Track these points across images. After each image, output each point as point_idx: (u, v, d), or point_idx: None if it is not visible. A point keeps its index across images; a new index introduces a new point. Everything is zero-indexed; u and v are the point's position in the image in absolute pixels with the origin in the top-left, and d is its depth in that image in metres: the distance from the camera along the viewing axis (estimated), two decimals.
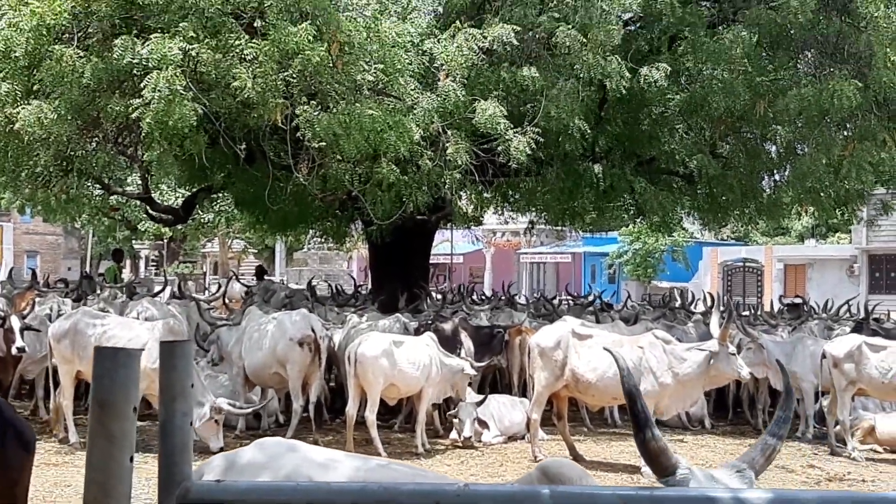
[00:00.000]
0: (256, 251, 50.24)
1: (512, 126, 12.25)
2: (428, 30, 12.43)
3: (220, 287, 20.74)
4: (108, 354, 1.92)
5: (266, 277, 24.24)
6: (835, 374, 11.66)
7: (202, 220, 31.61)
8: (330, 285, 21.98)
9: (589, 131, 13.32)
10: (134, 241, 45.00)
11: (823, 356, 11.98)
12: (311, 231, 24.57)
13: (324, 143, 10.97)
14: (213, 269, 52.46)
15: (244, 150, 12.26)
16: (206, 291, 30.08)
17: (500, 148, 12.18)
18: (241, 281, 22.55)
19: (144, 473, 9.55)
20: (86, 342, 10.70)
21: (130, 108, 10.53)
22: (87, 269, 34.69)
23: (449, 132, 12.36)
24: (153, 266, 53.41)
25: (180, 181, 20.55)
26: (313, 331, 11.66)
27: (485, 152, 12.66)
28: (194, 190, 19.00)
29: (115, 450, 1.89)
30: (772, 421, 2.86)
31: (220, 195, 21.62)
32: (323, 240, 27.87)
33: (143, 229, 37.82)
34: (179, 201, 21.35)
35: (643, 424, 2.50)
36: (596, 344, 10.70)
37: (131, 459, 1.91)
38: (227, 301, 17.27)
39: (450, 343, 12.06)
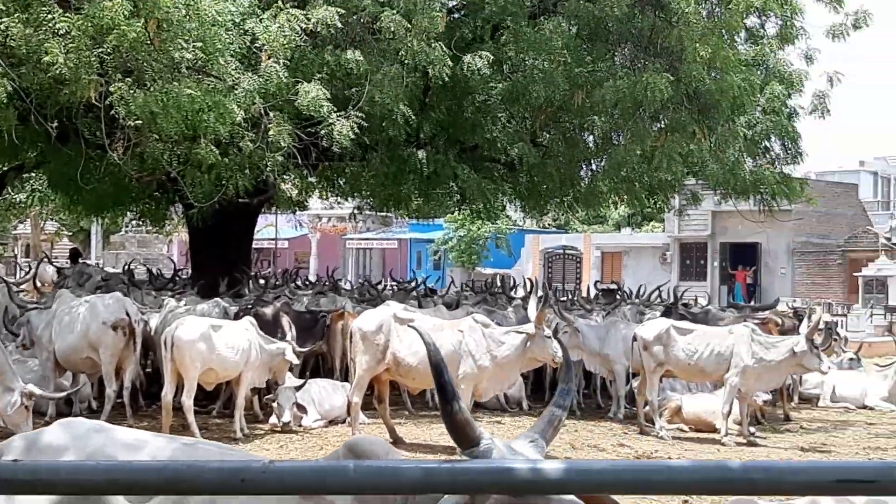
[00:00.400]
0: (71, 234, 48.47)
1: (336, 110, 12.21)
2: (249, 9, 12.24)
3: (31, 269, 19.93)
4: None
5: (81, 261, 23.39)
6: (644, 356, 12.13)
7: (13, 201, 30.26)
8: (148, 269, 21.44)
9: (413, 117, 13.42)
10: None
11: (634, 339, 12.44)
12: (128, 213, 23.85)
13: (140, 122, 10.67)
14: (25, 252, 50.32)
15: (56, 128, 11.80)
16: (17, 274, 28.81)
17: (323, 132, 12.12)
18: (55, 263, 21.70)
19: None
20: None
21: None
22: None
23: (271, 114, 12.22)
24: None
25: None
26: (127, 314, 11.36)
27: (308, 136, 12.58)
28: (4, 169, 18.17)
29: None
30: (556, 393, 2.98)
31: (33, 174, 20.75)
32: (141, 222, 27.11)
33: None
34: None
35: (450, 397, 2.55)
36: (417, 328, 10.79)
37: None
38: (37, 284, 16.61)
39: (271, 328, 11.95)
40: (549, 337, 10.44)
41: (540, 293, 19.72)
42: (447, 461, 2.48)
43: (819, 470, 2.42)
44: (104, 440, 2.93)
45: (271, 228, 39.32)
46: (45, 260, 21.35)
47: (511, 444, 2.68)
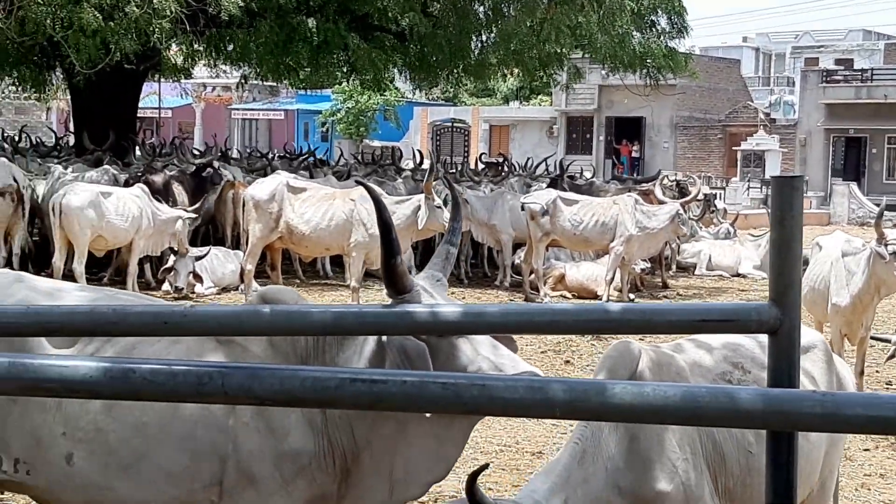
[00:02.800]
0: None
1: None
2: None
3: None
4: None
5: None
6: (531, 225, 12.48)
7: None
8: (28, 136, 20.89)
9: None
10: None
11: (522, 209, 12.76)
12: (6, 78, 23.04)
13: None
14: None
15: None
16: None
17: None
18: None
19: None
20: None
21: None
22: None
23: None
24: None
25: None
26: (15, 180, 11.21)
27: (196, 1, 12.36)
28: None
29: None
30: (447, 232, 3.23)
31: None
32: (20, 88, 26.19)
33: None
34: None
35: (396, 252, 2.80)
36: (310, 197, 10.94)
37: None
38: None
39: (162, 195, 11.92)
40: (440, 207, 10.68)
41: (426, 165, 19.97)
42: (352, 306, 2.71)
43: (685, 311, 2.73)
44: (25, 290, 3.05)
45: (154, 97, 38.40)
46: None
47: (426, 287, 2.92)
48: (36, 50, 15.28)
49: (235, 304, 2.86)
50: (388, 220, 2.95)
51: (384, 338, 2.88)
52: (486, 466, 3.15)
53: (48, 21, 11.73)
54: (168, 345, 2.96)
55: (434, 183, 15.56)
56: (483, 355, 2.82)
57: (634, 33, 16.59)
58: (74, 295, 3.10)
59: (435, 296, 2.90)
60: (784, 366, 2.49)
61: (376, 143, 43.02)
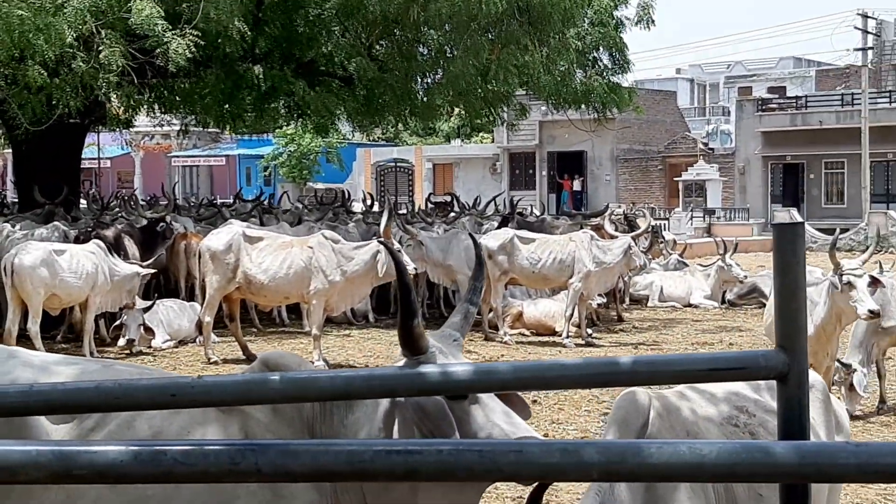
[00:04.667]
0: None
1: (170, 27, 11.96)
2: None
3: None
4: None
5: None
6: (489, 265, 12.50)
7: None
8: None
9: (248, 33, 13.26)
10: None
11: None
12: None
13: None
14: None
15: None
16: None
17: (158, 51, 11.87)
18: None
19: None
20: None
21: None
22: None
23: (103, 32, 11.88)
24: None
25: None
26: None
27: (143, 54, 12.30)
28: None
29: None
30: (468, 290, 3.21)
31: None
32: None
33: None
34: None
35: (413, 314, 2.77)
36: (267, 246, 10.88)
37: None
38: None
39: (114, 249, 11.77)
40: (399, 250, 10.67)
41: (376, 207, 19.97)
42: (354, 370, 2.69)
43: (693, 361, 2.74)
44: (21, 365, 2.99)
45: (93, 147, 38.02)
46: None
47: (441, 347, 2.90)
48: None
49: (239, 374, 2.82)
50: (408, 283, 2.94)
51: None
52: (546, 486, 3.09)
53: None
54: (169, 415, 2.91)
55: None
56: (494, 422, 2.81)
57: (577, 71, 16.77)
58: (71, 368, 3.04)
59: (449, 356, 2.89)
60: (795, 412, 2.51)
61: (320, 186, 43.00)
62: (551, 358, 11.48)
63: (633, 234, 13.75)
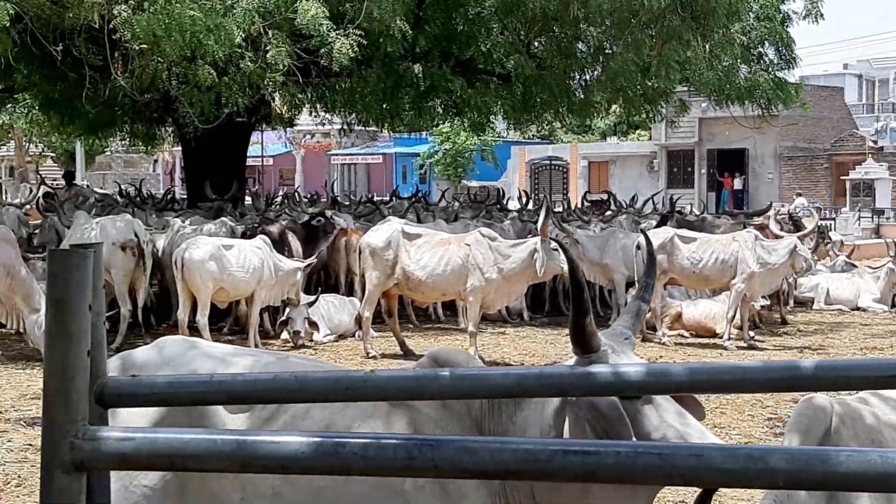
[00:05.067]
0: (55, 155, 48.14)
1: (334, 27, 12.20)
2: None
3: (29, 192, 20.00)
4: (61, 256, 1.98)
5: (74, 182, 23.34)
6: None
7: None
8: (137, 189, 21.47)
9: (410, 31, 13.41)
10: None
11: (638, 248, 12.61)
12: (118, 134, 23.76)
13: (144, 46, 10.66)
14: (9, 173, 50.02)
15: (60, 51, 11.74)
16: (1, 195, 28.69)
17: (323, 50, 12.13)
18: (48, 185, 21.68)
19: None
20: None
21: None
22: None
23: (270, 33, 12.20)
24: None
25: None
26: (136, 235, 11.47)
27: (307, 53, 12.58)
28: None
29: (74, 346, 1.97)
30: (639, 288, 3.16)
31: (20, 97, 20.61)
32: (131, 143, 26.98)
33: None
34: None
35: (585, 313, 2.75)
36: (425, 243, 10.99)
37: (88, 354, 1.99)
38: (39, 207, 16.62)
39: (277, 246, 12.08)
40: (556, 249, 10.60)
41: (531, 206, 19.93)
42: (533, 368, 2.66)
43: (879, 366, 2.61)
44: (199, 356, 3.09)
45: (257, 146, 39.13)
46: (43, 182, 21.26)
47: (612, 345, 2.86)
48: (152, 106, 15.70)
49: (411, 369, 2.88)
50: (580, 280, 2.90)
51: None
52: (714, 490, 3.01)
53: (165, 78, 12.03)
54: (342, 407, 2.95)
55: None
56: (668, 423, 2.74)
57: (741, 66, 16.37)
58: (249, 360, 3.12)
59: (621, 355, 2.84)
60: None
61: (474, 184, 43.16)
62: (713, 360, 11.24)
63: (800, 234, 13.32)
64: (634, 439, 2.67)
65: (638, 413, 2.75)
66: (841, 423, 3.07)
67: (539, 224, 11.18)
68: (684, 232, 13.02)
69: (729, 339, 12.10)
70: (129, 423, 2.93)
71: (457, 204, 19.92)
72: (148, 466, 2.14)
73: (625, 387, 2.62)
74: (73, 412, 1.96)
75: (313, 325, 11.79)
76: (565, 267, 10.56)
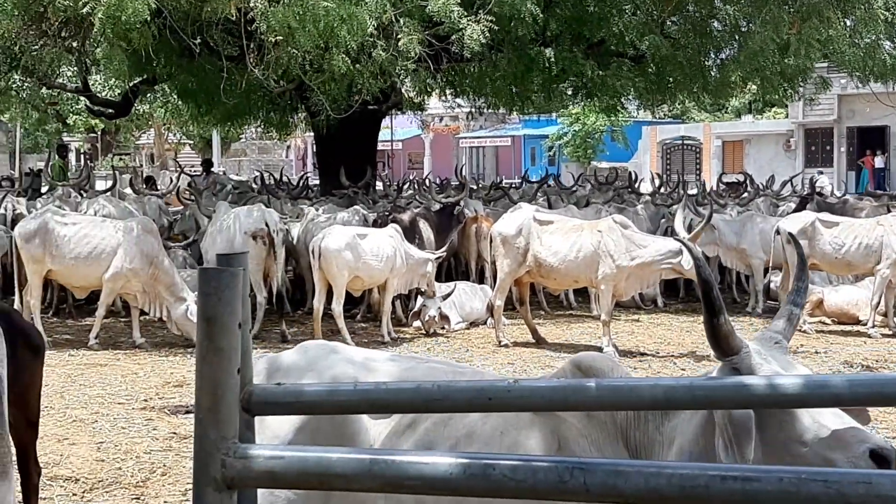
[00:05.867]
0: (192, 142, 49.52)
1: (465, 13, 12.16)
2: None
3: (170, 181, 20.61)
4: (214, 274, 1.99)
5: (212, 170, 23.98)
6: (788, 250, 11.94)
7: (137, 112, 31.09)
8: (272, 175, 21.89)
9: (541, 15, 13.28)
10: (64, 134, 44.02)
11: (777, 232, 12.26)
12: (253, 122, 24.27)
13: (280, 37, 10.83)
14: (150, 160, 51.69)
15: (198, 44, 12.02)
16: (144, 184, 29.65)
17: (454, 37, 12.12)
18: (188, 173, 22.30)
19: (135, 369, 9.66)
20: (58, 241, 10.74)
21: (80, 3, 10.27)
22: (17, 163, 33.93)
23: (402, 21, 12.25)
24: (86, 159, 52.46)
25: (121, 74, 20.12)
26: (266, 224, 11.68)
27: (438, 40, 12.58)
28: (136, 82, 18.62)
29: (224, 363, 1.98)
30: (791, 291, 3.02)
31: (160, 87, 21.21)
32: (265, 130, 27.57)
33: (72, 122, 37.13)
34: (115, 93, 20.85)
35: (718, 311, 2.64)
36: (557, 230, 10.89)
37: (238, 371, 2.00)
38: (180, 195, 17.09)
39: (408, 233, 12.15)
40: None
41: (663, 189, 19.52)
42: (683, 380, 2.58)
43: None
44: (342, 361, 3.10)
45: (386, 130, 39.48)
46: (182, 171, 21.87)
47: (760, 350, 2.75)
48: (286, 95, 15.96)
49: (554, 378, 2.82)
50: (709, 278, 2.79)
51: None
52: None
53: (299, 67, 12.19)
54: (484, 415, 2.92)
55: (677, 206, 15.30)
56: (823, 424, 2.62)
57: (885, 42, 15.73)
58: (390, 366, 3.12)
59: (769, 359, 2.72)
60: None
61: (604, 165, 42.67)
62: (857, 350, 10.86)
63: None
64: (752, 454, 2.56)
65: (788, 414, 2.63)
66: None
67: (680, 224, 10.85)
68: (826, 216, 12.60)
69: (873, 326, 11.68)
70: (275, 429, 2.95)
71: (586, 187, 19.68)
72: (296, 485, 2.14)
73: (781, 400, 2.52)
74: (224, 429, 1.97)
75: (444, 318, 11.82)
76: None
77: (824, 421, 2.63)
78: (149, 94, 22.49)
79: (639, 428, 2.84)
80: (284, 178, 22.44)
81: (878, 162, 38.44)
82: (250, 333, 2.35)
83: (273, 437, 2.86)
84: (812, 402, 2.55)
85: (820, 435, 2.62)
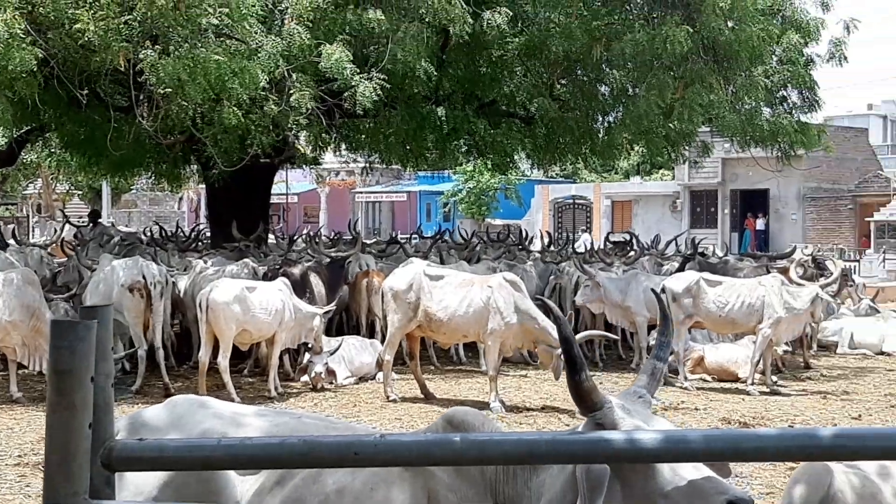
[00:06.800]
0: (81, 193, 48.56)
1: (358, 71, 12.27)
2: None
3: (55, 231, 20.14)
4: (66, 327, 1.97)
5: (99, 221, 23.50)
6: (673, 307, 12.20)
7: (24, 161, 30.42)
8: (161, 228, 21.57)
9: (434, 74, 13.48)
10: None
11: (663, 291, 12.53)
12: (144, 173, 23.92)
13: (169, 89, 10.76)
14: (37, 211, 50.45)
15: (86, 95, 11.85)
16: (31, 235, 28.96)
17: (346, 94, 12.21)
18: (74, 223, 21.83)
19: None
20: None
21: None
22: None
23: (294, 76, 12.29)
24: None
25: (4, 123, 19.67)
26: (143, 276, 11.51)
27: (331, 96, 12.65)
28: (23, 131, 18.26)
29: (75, 418, 1.96)
30: (654, 346, 3.10)
31: (49, 136, 20.81)
32: (156, 182, 27.21)
33: None
34: (1, 142, 20.38)
35: (579, 368, 2.70)
36: (448, 284, 10.97)
37: (90, 426, 1.98)
38: (64, 246, 16.71)
39: (300, 287, 12.10)
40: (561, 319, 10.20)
41: (552, 247, 19.75)
42: (546, 434, 2.63)
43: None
44: (210, 416, 3.07)
45: (282, 184, 39.29)
46: (68, 221, 21.38)
47: (624, 405, 2.81)
48: (176, 147, 15.81)
49: (422, 432, 2.84)
50: (568, 336, 2.86)
51: None
52: None
53: (190, 119, 12.11)
54: (354, 470, 2.92)
55: (565, 263, 15.54)
56: (682, 476, 2.69)
57: (765, 109, 16.34)
58: (260, 421, 3.10)
59: (632, 413, 2.79)
60: None
61: (498, 222, 43.17)
62: (735, 407, 11.13)
63: (823, 283, 13.24)
64: None
65: (650, 468, 2.70)
66: (852, 495, 3.00)
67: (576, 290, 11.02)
68: (710, 276, 12.95)
69: (753, 383, 12.00)
70: (139, 484, 2.91)
71: (476, 241, 19.86)
72: None
73: (640, 454, 2.59)
74: (74, 484, 1.95)
75: (331, 373, 11.77)
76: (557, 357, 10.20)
77: (684, 473, 2.70)
78: (36, 144, 22.07)
79: (508, 483, 2.88)
80: (179, 230, 22.10)
81: (760, 224, 39.74)
82: (112, 388, 2.33)
83: (137, 493, 2.82)
84: (670, 456, 2.63)
85: (679, 486, 2.69)
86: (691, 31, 13.91)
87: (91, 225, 21.63)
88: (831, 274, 14.25)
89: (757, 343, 12.09)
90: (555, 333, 9.98)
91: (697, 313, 12.28)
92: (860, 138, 44.51)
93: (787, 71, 15.86)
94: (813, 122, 17.66)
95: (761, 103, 15.76)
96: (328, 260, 13.48)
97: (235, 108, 11.89)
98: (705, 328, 13.08)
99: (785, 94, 16.75)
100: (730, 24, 14.57)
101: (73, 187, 45.59)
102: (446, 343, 12.66)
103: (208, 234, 19.91)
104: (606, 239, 24.18)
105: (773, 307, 11.98)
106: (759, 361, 12.12)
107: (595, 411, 2.73)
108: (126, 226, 36.47)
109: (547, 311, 9.38)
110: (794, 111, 16.79)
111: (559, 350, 9.82)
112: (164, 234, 20.31)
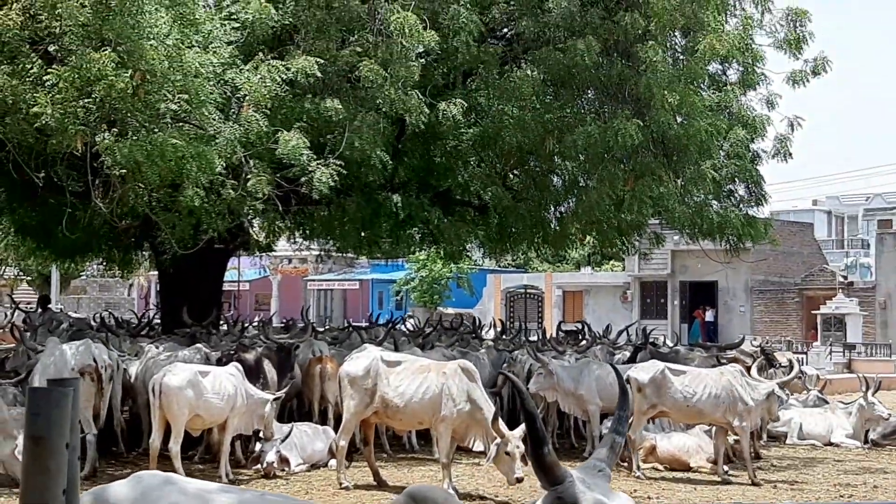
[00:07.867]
0: (30, 278, 47.99)
1: (315, 157, 12.42)
2: (231, 60, 12.43)
3: (4, 317, 19.91)
4: (42, 394, 2.01)
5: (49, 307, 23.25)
6: (637, 397, 12.24)
7: None
8: (111, 314, 21.40)
9: (389, 162, 13.66)
10: None
11: (628, 381, 12.56)
12: (95, 259, 23.77)
13: (125, 171, 10.81)
14: None
15: (42, 178, 11.84)
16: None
17: (303, 179, 12.33)
18: (23, 309, 21.58)
19: None
20: None
21: None
22: None
23: (251, 162, 12.40)
24: None
25: None
26: (95, 360, 11.42)
27: (288, 182, 12.76)
28: None
29: (50, 483, 1.99)
30: (613, 419, 3.18)
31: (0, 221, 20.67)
32: (106, 267, 27.02)
33: None
34: None
35: (542, 442, 2.77)
36: (404, 370, 11.00)
37: (64, 492, 2.01)
38: (13, 331, 16.49)
39: (253, 373, 12.04)
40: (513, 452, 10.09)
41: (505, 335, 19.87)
42: None
43: None
44: (174, 493, 3.08)
45: (233, 271, 39.19)
46: (17, 307, 21.17)
47: (584, 478, 2.87)
48: (130, 231, 15.78)
49: None
50: (532, 411, 2.94)
51: None
52: None
53: (146, 203, 12.13)
54: None
55: (518, 352, 15.63)
56: None
57: (713, 202, 16.68)
58: (222, 497, 3.12)
59: (592, 486, 2.86)
60: None
61: (450, 310, 43.25)
62: (688, 496, 11.18)
63: (780, 381, 13.55)
64: None
65: None
66: None
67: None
68: (673, 365, 13.05)
69: (726, 473, 12.22)
70: None
71: (430, 329, 19.93)
72: None
73: None
74: None
75: (284, 460, 11.67)
76: (514, 476, 10.04)
77: None
78: None
79: None
80: (129, 317, 21.91)
81: (709, 315, 40.21)
82: (80, 470, 2.35)
83: None
84: None
85: None
86: (641, 125, 14.24)
87: (40, 310, 21.40)
88: (780, 365, 14.50)
89: (741, 439, 12.32)
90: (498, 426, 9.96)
91: (663, 403, 12.31)
92: (806, 233, 45.45)
93: (735, 165, 16.23)
94: (760, 215, 18.01)
95: (710, 196, 16.08)
96: (276, 346, 13.44)
97: (197, 188, 11.93)
98: (668, 417, 13.08)
99: (732, 187, 17.09)
100: (679, 119, 14.94)
101: (21, 272, 45.04)
102: (402, 429, 12.62)
103: (158, 321, 19.75)
104: (558, 328, 24.31)
105: (742, 399, 12.15)
106: (749, 455, 12.41)
107: (557, 485, 2.79)
108: (75, 312, 36.12)
109: (513, 386, 9.36)
110: (741, 205, 17.13)
111: (498, 440, 9.86)
112: (115, 319, 20.14)
